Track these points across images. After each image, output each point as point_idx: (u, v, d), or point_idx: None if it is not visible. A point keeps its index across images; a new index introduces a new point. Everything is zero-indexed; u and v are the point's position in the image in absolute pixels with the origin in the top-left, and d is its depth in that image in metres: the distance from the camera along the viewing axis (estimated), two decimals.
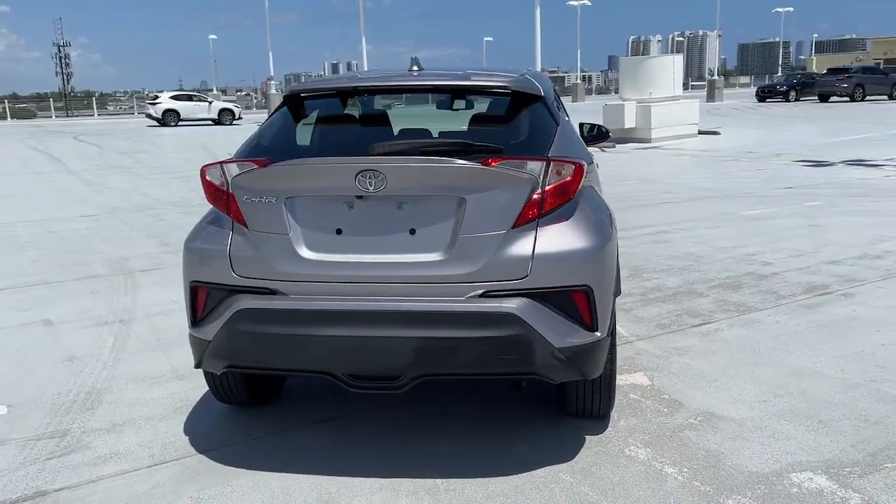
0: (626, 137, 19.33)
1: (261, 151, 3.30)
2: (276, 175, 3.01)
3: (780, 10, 60.78)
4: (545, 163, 2.97)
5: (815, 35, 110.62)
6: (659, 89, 20.29)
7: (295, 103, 3.60)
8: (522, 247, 2.94)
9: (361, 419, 3.69)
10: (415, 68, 3.73)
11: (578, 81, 53.96)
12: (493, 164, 2.92)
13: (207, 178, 3.22)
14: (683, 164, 15.27)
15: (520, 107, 3.43)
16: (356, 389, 3.05)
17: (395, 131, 3.61)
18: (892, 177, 12.09)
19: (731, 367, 4.22)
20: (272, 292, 3.06)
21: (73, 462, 3.35)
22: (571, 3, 45.43)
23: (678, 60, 21.06)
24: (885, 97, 37.37)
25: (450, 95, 3.73)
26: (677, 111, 20.36)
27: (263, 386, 3.81)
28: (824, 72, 38.36)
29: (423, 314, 2.91)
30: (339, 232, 3.01)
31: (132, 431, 3.64)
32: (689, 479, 3.06)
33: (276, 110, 3.62)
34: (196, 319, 3.27)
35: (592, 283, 3.00)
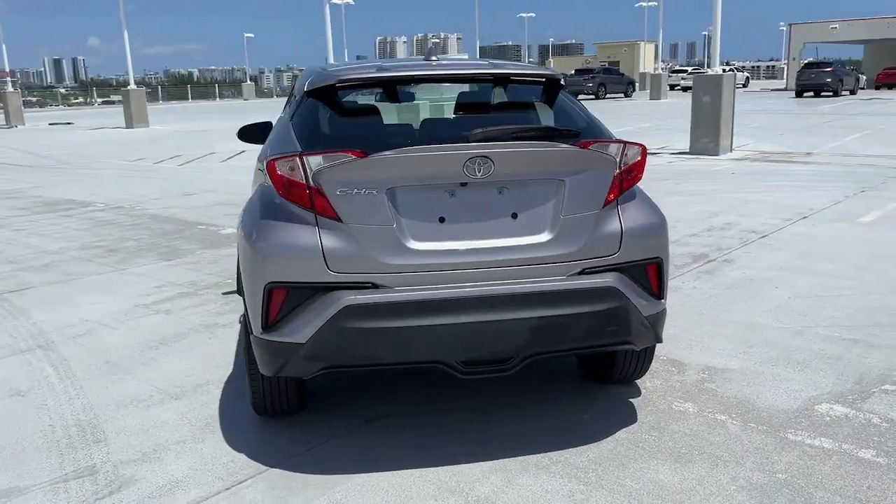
0: None
1: (330, 142, 3.16)
2: (380, 165, 2.92)
3: (523, 15, 66.06)
4: (622, 145, 3.19)
5: (552, 39, 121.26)
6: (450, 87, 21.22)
7: (331, 92, 3.45)
8: (613, 224, 3.15)
9: (410, 414, 3.66)
10: (433, 58, 3.75)
11: None
12: (588, 146, 3.10)
13: (279, 171, 3.02)
14: None
15: (554, 94, 3.61)
16: (467, 376, 3.05)
17: (438, 117, 3.62)
18: (675, 163, 13.85)
19: (695, 328, 4.75)
20: (374, 286, 2.96)
21: (133, 497, 2.97)
22: (336, 1, 45.59)
23: None
24: (622, 95, 42.25)
25: (473, 83, 3.80)
26: None
27: (305, 392, 3.62)
28: (572, 72, 42.40)
29: (535, 295, 3.01)
30: (441, 220, 3.00)
31: (172, 457, 3.28)
32: (744, 423, 3.47)
33: (310, 97, 3.44)
34: (269, 323, 3.05)
35: (663, 255, 3.30)
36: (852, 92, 38.52)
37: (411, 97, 3.87)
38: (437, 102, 3.85)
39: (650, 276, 3.27)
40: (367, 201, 2.94)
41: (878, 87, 43.28)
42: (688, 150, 15.11)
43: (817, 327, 4.71)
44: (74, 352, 4.60)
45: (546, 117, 3.61)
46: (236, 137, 5.13)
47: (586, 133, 3.31)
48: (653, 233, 3.26)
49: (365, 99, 3.68)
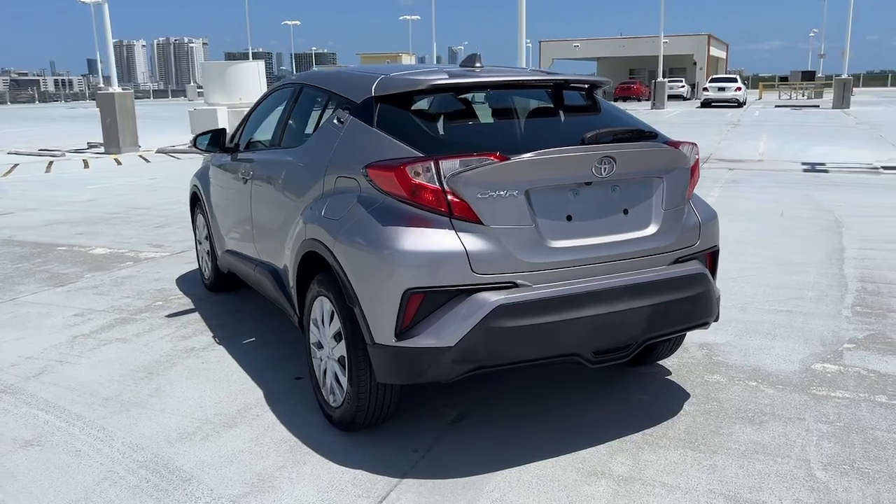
0: None
1: (446, 146, 3.16)
2: (521, 167, 2.99)
3: (288, 22, 65.19)
4: (691, 146, 3.55)
5: (314, 48, 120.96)
6: (248, 94, 20.57)
7: (411, 97, 3.42)
8: (693, 217, 3.50)
9: (486, 411, 3.72)
10: (477, 65, 3.86)
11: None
12: (678, 146, 3.42)
13: (411, 177, 2.98)
14: None
15: (596, 97, 3.89)
16: (595, 364, 3.22)
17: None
18: None
19: None
20: (514, 285, 3.03)
21: None
22: (84, 1, 41.55)
23: (261, 67, 21.66)
24: None
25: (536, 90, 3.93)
26: None
27: None
28: None
29: (652, 284, 3.26)
30: (569, 218, 3.14)
31: (288, 484, 3.07)
32: (772, 384, 4.00)
33: (387, 103, 3.38)
34: (404, 329, 3.00)
35: (719, 244, 3.71)
36: None
37: (500, 101, 3.87)
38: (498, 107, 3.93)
39: (708, 262, 3.67)
40: (508, 203, 3.00)
41: (616, 100, 48.81)
42: None
43: (752, 303, 5.45)
44: (51, 392, 4.00)
45: (610, 119, 3.79)
46: (190, 144, 4.80)
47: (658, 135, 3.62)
48: (714, 224, 3.66)
49: (428, 103, 3.67)
